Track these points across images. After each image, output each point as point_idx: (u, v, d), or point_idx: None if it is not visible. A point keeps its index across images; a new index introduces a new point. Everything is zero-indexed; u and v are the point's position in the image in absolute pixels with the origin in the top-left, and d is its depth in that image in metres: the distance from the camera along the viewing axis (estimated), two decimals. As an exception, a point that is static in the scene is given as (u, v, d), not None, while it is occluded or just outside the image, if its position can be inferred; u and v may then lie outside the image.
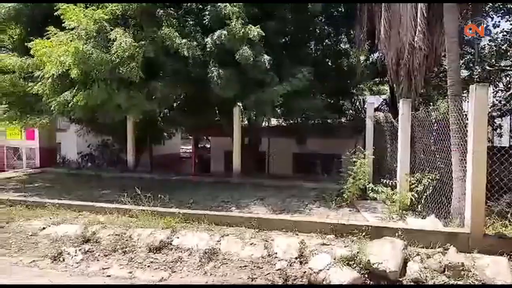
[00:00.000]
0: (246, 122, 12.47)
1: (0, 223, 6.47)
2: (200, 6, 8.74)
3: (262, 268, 4.74)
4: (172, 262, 5.00)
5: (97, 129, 13.15)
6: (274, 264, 4.77)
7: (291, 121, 12.37)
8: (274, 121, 13.93)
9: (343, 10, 11.42)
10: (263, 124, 12.66)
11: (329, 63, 11.90)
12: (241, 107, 10.67)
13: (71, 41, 7.75)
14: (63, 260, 5.25)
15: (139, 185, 7.45)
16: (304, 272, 4.56)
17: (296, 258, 4.80)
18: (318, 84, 10.24)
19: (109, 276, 4.81)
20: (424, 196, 6.51)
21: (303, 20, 10.14)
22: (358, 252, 4.59)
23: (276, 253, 4.96)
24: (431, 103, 9.99)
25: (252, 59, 7.99)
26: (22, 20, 9.61)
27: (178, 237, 5.47)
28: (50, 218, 6.48)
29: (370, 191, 7.29)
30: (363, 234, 5.22)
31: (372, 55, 12.84)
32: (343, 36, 12.35)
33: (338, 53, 11.96)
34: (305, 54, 10.95)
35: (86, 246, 5.51)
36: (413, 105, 7.60)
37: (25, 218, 6.62)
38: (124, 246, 5.40)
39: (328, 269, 4.43)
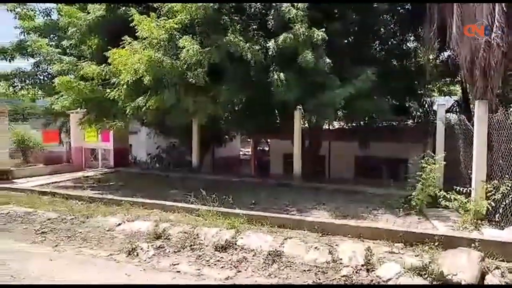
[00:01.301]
0: (306, 125, 12.41)
1: (81, 218, 7.08)
2: (263, 11, 8.89)
3: (327, 273, 4.69)
4: (237, 261, 5.13)
5: (165, 132, 13.92)
6: (340, 270, 4.70)
7: (354, 124, 12.07)
8: (335, 124, 13.69)
9: (410, 8, 10.93)
10: (324, 127, 12.52)
11: (395, 63, 11.44)
12: (302, 110, 10.65)
13: (143, 49, 8.29)
14: (137, 254, 5.60)
15: (203, 186, 7.75)
16: (371, 280, 4.43)
17: (362, 265, 4.68)
18: (382, 85, 9.89)
19: (179, 272, 5.05)
20: (502, 205, 6.01)
21: (367, 20, 9.88)
22: (430, 262, 4.37)
23: (341, 259, 4.88)
24: (511, 105, 9.19)
25: (313, 62, 7.96)
26: (100, 31, 10.46)
27: (242, 238, 5.60)
28: (125, 215, 6.96)
29: (441, 199, 6.87)
30: (435, 243, 4.95)
31: (442, 54, 12.10)
32: (410, 35, 11.81)
33: (405, 53, 11.46)
34: (369, 54, 10.65)
35: (157, 242, 5.84)
36: (489, 106, 7.04)
37: (102, 214, 7.17)
38: (192, 243, 5.66)
39: (397, 278, 4.27)
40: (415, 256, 4.72)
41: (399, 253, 4.85)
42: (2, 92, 15.21)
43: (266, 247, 5.32)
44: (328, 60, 8.19)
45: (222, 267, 5.06)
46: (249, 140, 20.90)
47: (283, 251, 5.23)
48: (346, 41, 10.54)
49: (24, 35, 14.17)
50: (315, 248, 5.17)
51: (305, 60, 7.86)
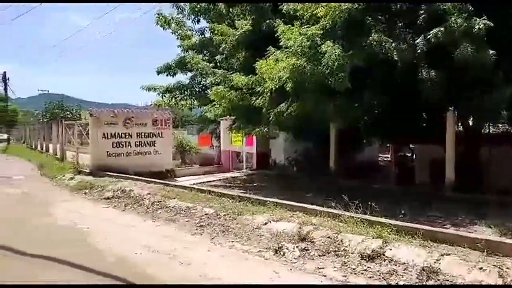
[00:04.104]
0: (460, 128, 11.09)
1: (233, 214, 7.74)
2: (411, 6, 8.30)
3: (497, 298, 4.07)
4: (386, 273, 4.88)
5: (303, 137, 14.23)
6: (515, 298, 4.03)
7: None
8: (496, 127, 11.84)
9: None
10: (483, 130, 10.98)
11: None
12: (455, 112, 9.58)
13: (286, 58, 8.67)
14: (283, 254, 5.83)
15: (342, 191, 7.62)
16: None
17: (547, 295, 3.92)
18: None
19: (325, 276, 5.06)
20: None
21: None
22: None
23: (515, 284, 4.18)
24: None
25: (472, 56, 7.04)
26: (246, 44, 11.39)
27: (390, 249, 5.29)
28: (270, 215, 7.32)
29: None
30: None
31: None
32: None
33: None
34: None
35: (302, 244, 5.98)
36: None
37: (250, 212, 7.66)
38: (336, 249, 5.60)
39: None
40: None
41: None
42: (166, 102, 17.93)
43: (419, 261, 4.90)
44: (491, 51, 7.10)
45: (370, 277, 4.87)
46: (388, 145, 19.74)
47: (439, 268, 4.73)
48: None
49: (183, 53, 16.44)
50: (480, 268, 4.53)
51: (463, 55, 6.99)
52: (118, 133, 14.38)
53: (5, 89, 47.78)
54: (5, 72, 46.65)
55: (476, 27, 6.92)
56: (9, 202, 10.74)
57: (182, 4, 15.46)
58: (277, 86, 8.88)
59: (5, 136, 48.13)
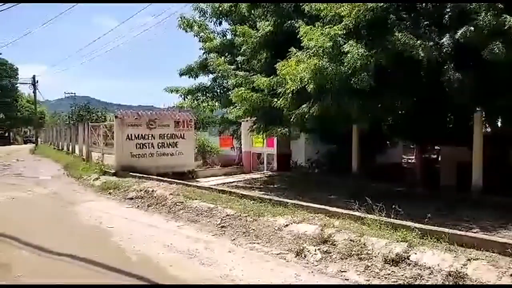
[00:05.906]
0: (487, 129, 10.75)
1: (254, 216, 7.73)
2: (437, 4, 8.10)
3: (529, 307, 3.91)
4: (410, 278, 4.77)
5: (324, 138, 14.12)
6: (548, 306, 3.85)
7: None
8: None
9: None
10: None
11: None
12: (483, 113, 9.29)
13: (308, 58, 8.61)
14: (305, 256, 5.80)
15: (364, 193, 7.49)
16: None
17: None
18: None
19: (347, 279, 5.00)
20: None
21: None
22: None
23: (549, 292, 4.00)
24: None
25: (503, 55, 6.80)
26: (268, 45, 11.39)
27: (415, 253, 5.16)
28: (291, 217, 7.27)
29: None
30: None
31: None
32: None
33: None
34: None
35: (323, 246, 5.92)
36: None
37: (271, 214, 7.62)
38: (359, 252, 5.51)
39: None
40: None
41: None
42: (188, 104, 18.12)
43: (445, 266, 4.77)
44: None
45: (394, 281, 4.78)
46: (412, 146, 19.33)
47: (466, 273, 4.59)
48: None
49: (205, 55, 16.58)
50: (511, 275, 4.37)
51: (493, 54, 6.76)
52: (142, 135, 14.65)
53: (34, 92, 49.46)
54: (34, 76, 48.27)
55: (506, 23, 6.67)
56: (37, 202, 11.11)
57: (204, 6, 15.61)
58: (298, 87, 8.83)
59: (33, 137, 49.92)
